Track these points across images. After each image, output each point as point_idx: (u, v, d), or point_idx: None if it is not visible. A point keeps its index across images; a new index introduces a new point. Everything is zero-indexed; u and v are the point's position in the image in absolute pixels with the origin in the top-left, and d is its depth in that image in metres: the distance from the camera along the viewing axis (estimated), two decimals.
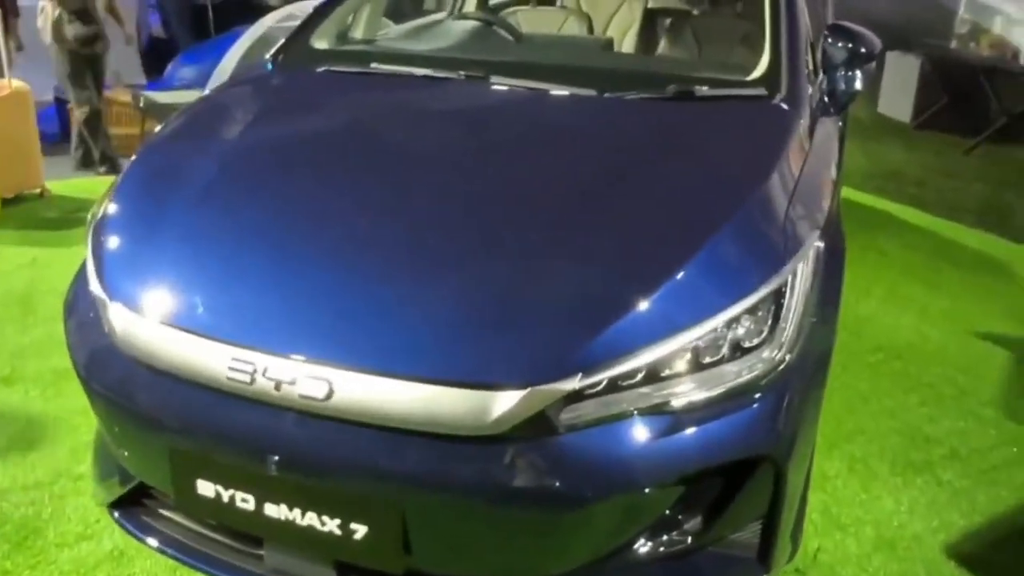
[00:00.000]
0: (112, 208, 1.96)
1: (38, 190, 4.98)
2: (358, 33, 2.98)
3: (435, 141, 2.12)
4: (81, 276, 1.98)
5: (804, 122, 2.14)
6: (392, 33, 3.28)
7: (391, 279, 1.65)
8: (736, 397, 1.57)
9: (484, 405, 1.45)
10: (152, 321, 1.66)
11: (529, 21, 3.69)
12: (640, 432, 1.52)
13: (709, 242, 1.65)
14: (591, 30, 3.79)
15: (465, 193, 1.88)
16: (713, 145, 2.03)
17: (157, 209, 1.90)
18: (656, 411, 1.53)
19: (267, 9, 9.34)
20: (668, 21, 3.82)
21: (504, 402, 1.45)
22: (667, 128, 2.11)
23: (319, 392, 1.51)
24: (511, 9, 3.93)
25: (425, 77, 2.39)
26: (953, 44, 5.00)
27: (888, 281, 4.21)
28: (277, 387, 1.53)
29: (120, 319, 1.70)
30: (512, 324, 1.53)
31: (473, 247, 1.70)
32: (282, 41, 2.73)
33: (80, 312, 1.89)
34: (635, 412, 1.52)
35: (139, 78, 7.97)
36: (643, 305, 1.55)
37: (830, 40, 2.56)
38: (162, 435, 1.66)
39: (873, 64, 2.58)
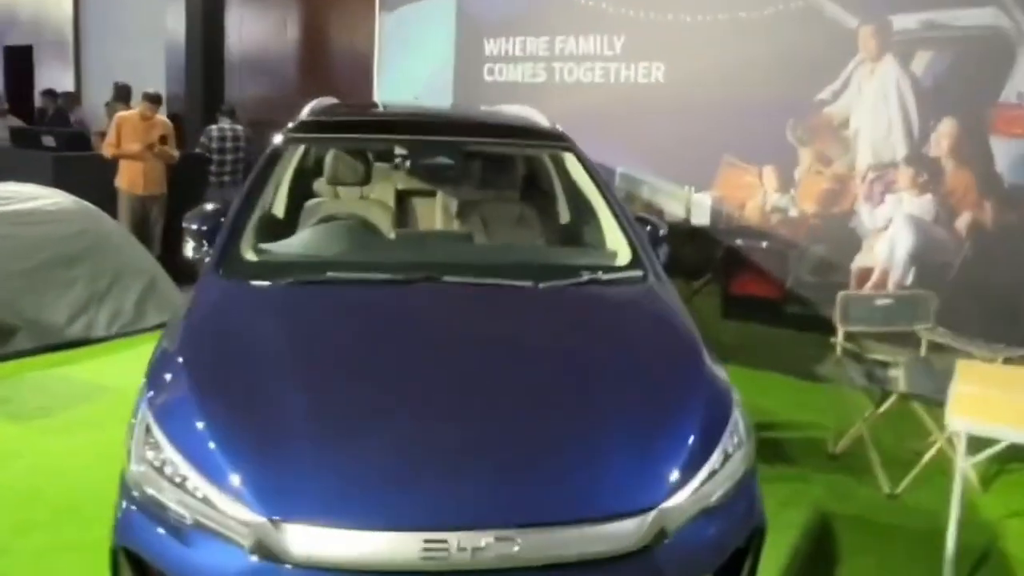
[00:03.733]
0: (219, 435, 2.16)
1: None
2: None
3: (437, 333, 2.65)
4: (137, 517, 2.13)
5: (672, 291, 3.07)
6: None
7: (531, 449, 2.17)
8: (743, 485, 2.35)
9: (637, 527, 2.05)
10: (340, 529, 1.95)
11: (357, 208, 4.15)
12: (704, 524, 2.21)
13: (703, 398, 2.46)
14: (397, 214, 4.39)
15: (509, 376, 2.46)
16: (641, 317, 2.87)
17: (274, 423, 2.17)
18: (711, 505, 2.24)
19: None
20: (455, 204, 4.54)
21: (646, 522, 2.07)
22: (599, 307, 2.90)
23: (511, 549, 1.96)
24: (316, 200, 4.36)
25: (385, 281, 2.87)
26: None
27: None
28: (472, 554, 1.94)
29: (298, 537, 1.95)
30: (634, 472, 2.17)
31: (572, 415, 2.28)
32: (217, 255, 2.98)
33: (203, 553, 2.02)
34: (699, 512, 2.21)
35: None
36: (690, 446, 2.28)
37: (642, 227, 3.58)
38: None
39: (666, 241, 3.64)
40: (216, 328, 2.62)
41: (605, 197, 3.48)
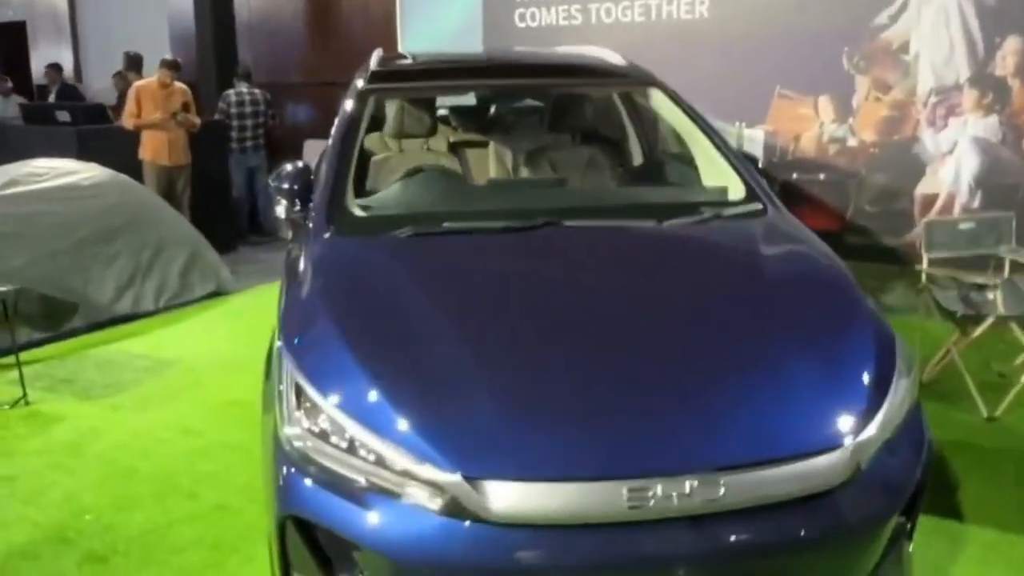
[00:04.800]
0: (388, 392, 2.05)
1: None
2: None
3: (576, 278, 2.55)
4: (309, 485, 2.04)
5: (797, 221, 2.97)
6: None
7: (720, 388, 2.08)
8: (912, 418, 2.27)
9: (837, 462, 1.98)
10: (541, 482, 1.86)
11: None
12: (887, 458, 2.13)
13: (871, 329, 2.37)
14: (463, 165, 4.25)
15: (670, 318, 2.36)
16: (781, 250, 2.75)
17: (445, 376, 2.08)
18: (891, 438, 2.15)
19: None
20: (508, 154, 4.38)
21: (845, 455, 2.00)
22: (735, 242, 2.78)
23: (716, 493, 1.87)
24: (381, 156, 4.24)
25: (507, 229, 2.76)
26: None
27: None
28: (677, 500, 1.86)
29: (498, 494, 1.86)
30: (825, 406, 2.09)
31: (746, 361, 2.19)
32: (325, 212, 2.85)
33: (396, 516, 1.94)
34: (882, 445, 2.12)
35: None
36: (870, 379, 2.20)
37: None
38: None
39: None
40: (348, 284, 2.50)
41: (705, 131, 3.36)
